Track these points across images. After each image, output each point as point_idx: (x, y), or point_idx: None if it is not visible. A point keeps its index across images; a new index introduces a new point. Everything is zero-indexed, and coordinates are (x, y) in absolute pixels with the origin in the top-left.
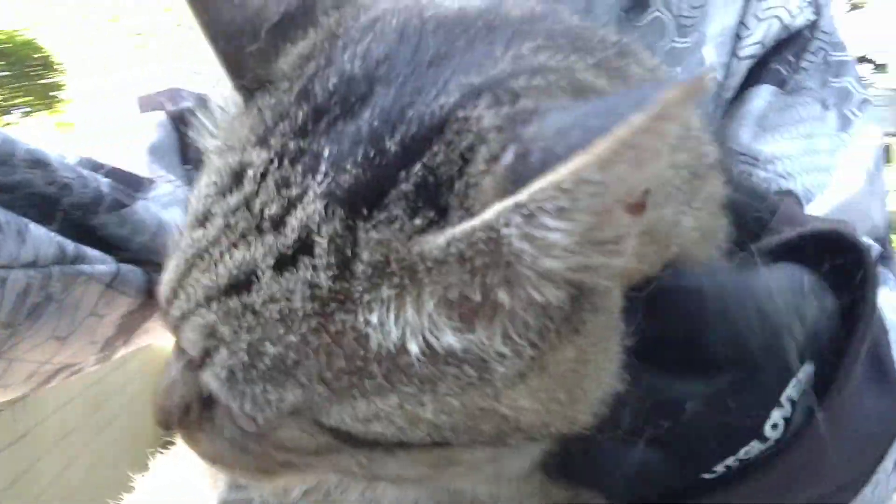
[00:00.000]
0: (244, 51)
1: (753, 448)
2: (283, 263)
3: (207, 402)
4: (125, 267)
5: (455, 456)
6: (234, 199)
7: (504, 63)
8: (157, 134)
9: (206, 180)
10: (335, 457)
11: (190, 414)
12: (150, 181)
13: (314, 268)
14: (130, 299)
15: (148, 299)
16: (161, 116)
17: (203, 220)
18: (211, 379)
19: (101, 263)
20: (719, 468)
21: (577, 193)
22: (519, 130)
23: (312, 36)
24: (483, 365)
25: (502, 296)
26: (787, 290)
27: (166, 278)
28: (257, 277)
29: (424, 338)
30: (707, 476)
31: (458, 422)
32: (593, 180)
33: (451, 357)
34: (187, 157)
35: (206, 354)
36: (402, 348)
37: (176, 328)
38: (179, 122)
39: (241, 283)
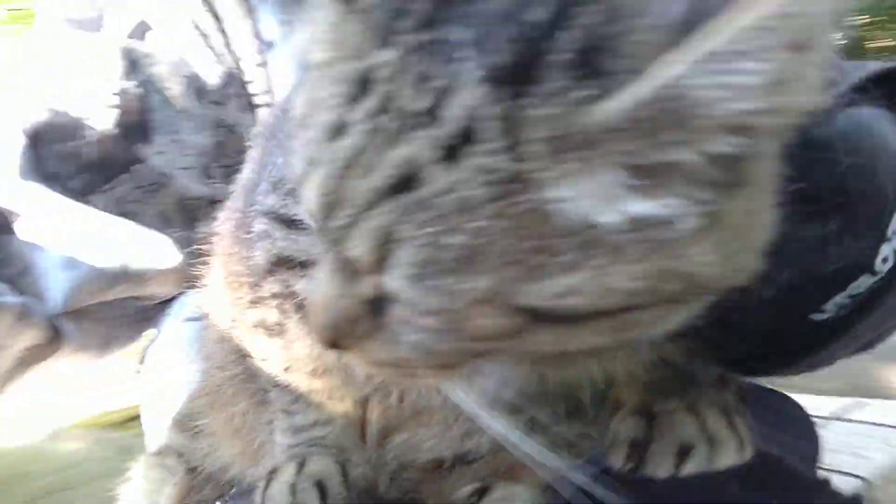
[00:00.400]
0: None
1: (863, 283)
2: (450, 154)
3: (377, 308)
4: (30, 299)
5: (636, 319)
6: (370, 103)
7: None
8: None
9: (322, 94)
10: (527, 337)
11: (357, 325)
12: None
13: (484, 153)
14: (36, 332)
15: (54, 334)
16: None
17: (338, 130)
18: (395, 281)
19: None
20: (829, 307)
21: (774, 29)
22: None
23: None
24: (668, 225)
25: (684, 153)
26: (874, 129)
27: (313, 195)
28: (424, 173)
29: (609, 207)
30: (816, 317)
31: (646, 285)
32: (792, 12)
33: (636, 222)
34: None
35: (383, 257)
36: (588, 221)
37: (338, 240)
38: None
39: (408, 181)
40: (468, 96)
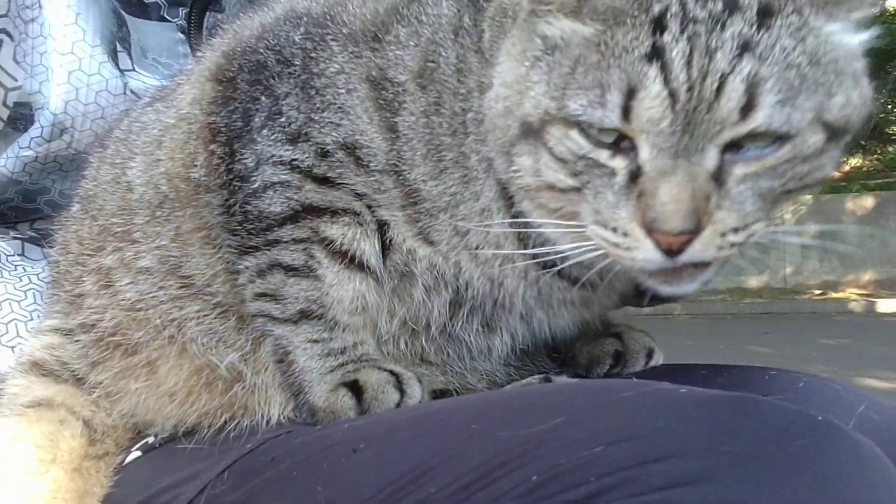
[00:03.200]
0: None
1: None
2: (760, 25)
3: (720, 180)
4: None
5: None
6: (674, 24)
7: None
8: None
9: (626, 37)
10: (822, 155)
11: (710, 200)
12: None
13: (783, 16)
14: None
15: None
16: None
17: (656, 48)
18: (766, 110)
19: None
20: None
21: None
22: None
23: None
24: (860, 61)
25: None
26: None
27: (661, 96)
28: (752, 38)
29: (848, 38)
30: None
31: (861, 108)
32: None
33: (852, 55)
34: None
35: (752, 97)
36: (838, 49)
37: (710, 104)
38: None
39: (746, 46)
40: None
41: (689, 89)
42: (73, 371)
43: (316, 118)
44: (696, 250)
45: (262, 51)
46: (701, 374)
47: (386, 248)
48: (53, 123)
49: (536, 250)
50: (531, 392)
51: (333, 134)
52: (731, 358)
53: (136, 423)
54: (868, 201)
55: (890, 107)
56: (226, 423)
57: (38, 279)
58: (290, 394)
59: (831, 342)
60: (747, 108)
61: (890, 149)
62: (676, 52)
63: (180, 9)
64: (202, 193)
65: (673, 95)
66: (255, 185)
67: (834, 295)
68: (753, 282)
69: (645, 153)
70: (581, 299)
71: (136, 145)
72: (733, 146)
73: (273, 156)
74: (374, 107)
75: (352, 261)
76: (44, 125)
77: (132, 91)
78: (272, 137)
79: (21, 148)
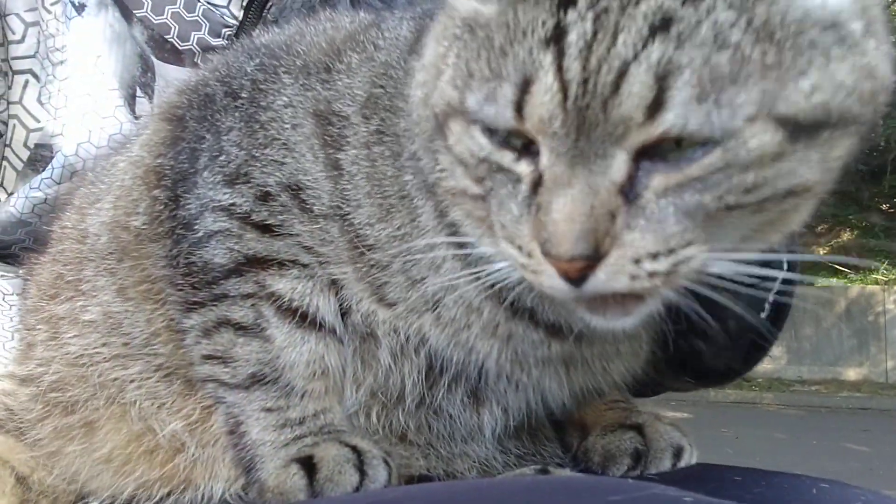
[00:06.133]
0: None
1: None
2: None
3: (631, 194)
4: None
5: (850, 132)
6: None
7: None
8: None
9: (526, 17)
10: (786, 160)
11: (616, 218)
12: None
13: None
14: None
15: None
16: None
17: (558, 29)
18: (676, 108)
19: None
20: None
21: None
22: None
23: None
24: (847, 27)
25: None
26: None
27: (551, 92)
28: (674, 12)
29: (816, 2)
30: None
31: (855, 80)
32: None
33: (830, 20)
34: None
35: (662, 91)
36: (804, 17)
37: (605, 99)
38: None
39: (663, 23)
40: None
41: (584, 81)
42: (17, 422)
43: (258, 155)
44: (601, 280)
45: (211, 83)
46: (734, 479)
47: (343, 307)
48: (64, 165)
49: (472, 270)
50: (507, 484)
51: (276, 174)
52: (825, 455)
53: (74, 488)
54: None
55: None
56: (163, 497)
57: None
58: (241, 469)
59: None
60: (655, 107)
61: None
62: (576, 34)
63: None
64: (144, 243)
65: (565, 89)
66: (199, 234)
67: None
68: (852, 373)
69: (545, 158)
70: (564, 356)
71: (94, 191)
72: (649, 152)
73: (213, 200)
74: (320, 144)
75: (303, 318)
76: (55, 167)
77: None
78: (211, 180)
79: (31, 189)
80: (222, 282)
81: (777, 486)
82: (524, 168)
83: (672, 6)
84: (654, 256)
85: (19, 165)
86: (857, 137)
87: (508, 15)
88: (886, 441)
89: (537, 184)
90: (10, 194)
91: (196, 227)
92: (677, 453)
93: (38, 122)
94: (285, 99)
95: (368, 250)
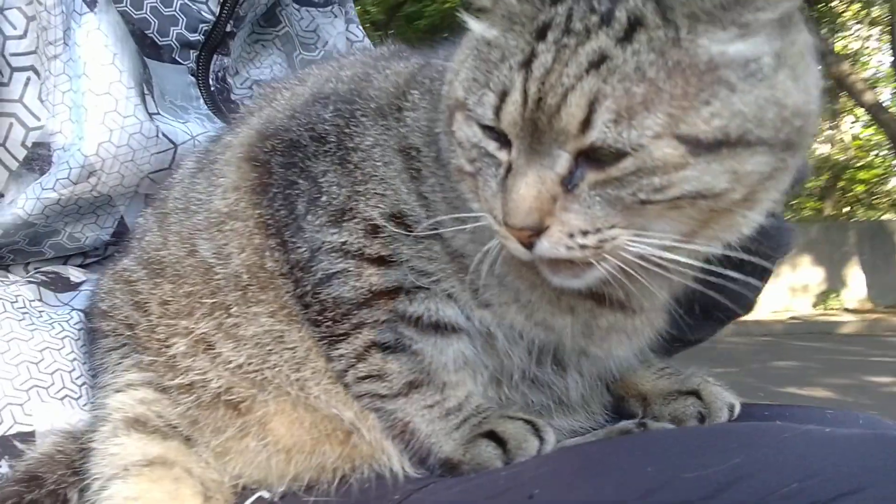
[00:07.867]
0: None
1: None
2: (624, 39)
3: (570, 185)
4: None
5: (756, 160)
6: (553, 34)
7: None
8: None
9: (513, 43)
10: (689, 169)
11: (557, 201)
12: None
13: (650, 29)
14: None
15: None
16: None
17: (531, 56)
18: (600, 127)
19: None
20: None
21: None
22: None
23: None
24: (756, 62)
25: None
26: None
27: (517, 102)
28: (609, 52)
29: (727, 45)
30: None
31: (756, 110)
32: None
33: (741, 59)
34: None
35: (591, 113)
36: (713, 59)
37: (551, 115)
38: None
39: (599, 60)
40: (631, 4)
41: (539, 99)
42: (176, 428)
43: (360, 190)
44: (545, 247)
45: (294, 129)
46: (764, 414)
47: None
48: (83, 165)
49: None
50: (691, 433)
51: (381, 206)
52: None
53: (244, 482)
54: None
55: None
56: (346, 474)
57: (70, 325)
58: (416, 460)
59: None
60: (585, 124)
61: None
62: (540, 62)
63: (191, 52)
64: (279, 279)
65: (525, 103)
66: (319, 276)
67: None
68: None
69: (514, 151)
70: (622, 324)
71: (198, 222)
72: (588, 155)
73: (324, 243)
74: (409, 177)
75: (442, 328)
76: (72, 167)
77: (164, 134)
78: (317, 223)
79: (44, 189)
80: (356, 312)
81: (791, 416)
82: (503, 156)
83: (608, 46)
84: (584, 233)
85: (14, 165)
86: (775, 157)
87: (502, 39)
88: None
89: (508, 170)
90: (0, 196)
91: (313, 269)
92: (731, 409)
93: (39, 120)
94: (371, 139)
95: (462, 258)
